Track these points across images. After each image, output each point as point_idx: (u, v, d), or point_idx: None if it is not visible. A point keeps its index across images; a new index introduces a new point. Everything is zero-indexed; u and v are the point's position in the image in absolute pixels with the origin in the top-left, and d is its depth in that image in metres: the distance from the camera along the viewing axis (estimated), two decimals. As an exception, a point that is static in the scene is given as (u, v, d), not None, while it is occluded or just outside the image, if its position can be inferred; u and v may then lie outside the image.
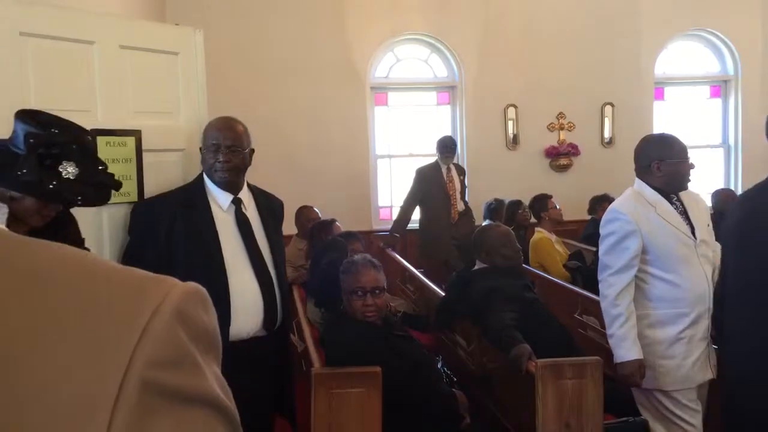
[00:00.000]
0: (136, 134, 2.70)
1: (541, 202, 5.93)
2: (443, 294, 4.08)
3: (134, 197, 2.69)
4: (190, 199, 2.64)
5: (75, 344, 0.45)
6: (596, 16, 7.43)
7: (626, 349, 2.90)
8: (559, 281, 4.82)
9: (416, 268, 5.44)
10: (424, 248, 6.41)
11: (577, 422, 2.79)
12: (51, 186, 1.79)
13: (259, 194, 2.84)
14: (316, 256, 4.37)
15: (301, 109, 6.87)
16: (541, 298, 3.61)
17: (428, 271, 5.51)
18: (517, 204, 6.26)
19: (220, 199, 2.66)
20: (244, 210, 2.69)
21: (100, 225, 2.60)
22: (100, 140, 2.58)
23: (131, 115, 2.70)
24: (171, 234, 2.55)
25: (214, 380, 0.50)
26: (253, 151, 2.74)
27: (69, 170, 1.82)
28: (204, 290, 0.52)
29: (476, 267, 3.72)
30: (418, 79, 7.50)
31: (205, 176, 2.69)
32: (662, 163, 2.98)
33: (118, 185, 2.08)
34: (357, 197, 7.10)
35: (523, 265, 4.12)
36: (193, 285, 0.51)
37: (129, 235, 2.65)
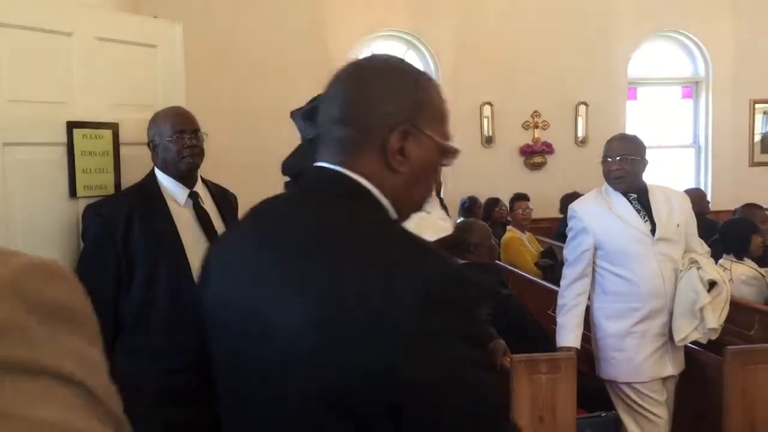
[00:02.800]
0: (114, 127, 2.68)
1: (514, 202, 6.04)
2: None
3: (111, 190, 2.67)
4: (144, 198, 2.54)
5: None
6: (571, 17, 7.51)
7: (562, 336, 3.10)
8: (531, 278, 4.87)
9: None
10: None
11: (550, 416, 2.83)
12: None
13: (213, 187, 2.77)
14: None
15: (277, 105, 6.78)
16: (514, 295, 3.65)
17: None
18: (494, 202, 6.32)
19: (176, 195, 2.58)
20: (201, 203, 2.64)
21: (73, 216, 2.58)
22: (77, 133, 2.56)
23: (108, 107, 2.68)
24: (129, 236, 2.44)
25: (63, 352, 0.49)
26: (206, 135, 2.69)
27: None
28: (56, 265, 0.52)
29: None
30: (394, 75, 7.51)
31: (158, 172, 2.59)
32: (602, 163, 3.13)
33: None
34: (333, 193, 7.10)
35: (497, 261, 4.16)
36: (40, 259, 0.51)
37: (82, 240, 2.54)
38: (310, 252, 0.99)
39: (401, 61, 1.15)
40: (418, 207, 1.15)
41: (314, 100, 2.17)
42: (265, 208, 1.14)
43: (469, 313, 0.97)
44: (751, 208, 5.63)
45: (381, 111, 1.05)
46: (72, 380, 0.48)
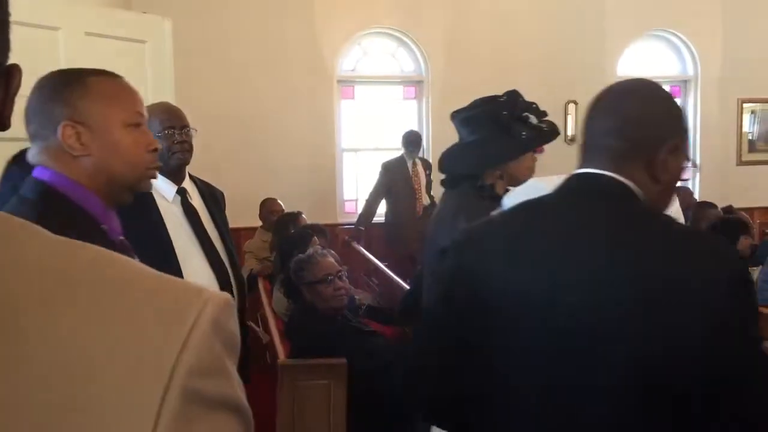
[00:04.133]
0: (102, 123, 2.67)
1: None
2: (408, 287, 4.12)
3: (99, 186, 2.66)
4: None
5: (119, 354, 0.47)
6: (561, 16, 7.53)
7: None
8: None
9: (381, 261, 5.46)
10: (389, 242, 6.45)
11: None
12: (544, 130, 2.26)
13: (200, 183, 2.75)
14: (283, 247, 4.37)
15: (267, 101, 6.83)
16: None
17: (393, 265, 5.54)
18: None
19: (164, 191, 2.55)
20: (189, 200, 2.63)
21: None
22: (65, 128, 2.55)
23: (97, 103, 2.67)
24: None
25: (237, 383, 0.53)
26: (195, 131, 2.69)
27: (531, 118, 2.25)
28: (232, 299, 0.55)
29: (441, 261, 3.76)
30: (384, 73, 7.51)
31: None
32: None
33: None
34: (322, 190, 7.10)
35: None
36: (225, 296, 0.54)
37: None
38: (629, 240, 1.15)
39: (662, 88, 1.34)
40: (661, 212, 1.33)
41: (475, 106, 2.28)
42: (544, 208, 1.27)
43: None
44: (702, 207, 5.70)
45: (655, 130, 1.23)
46: (241, 409, 0.53)
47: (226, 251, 2.67)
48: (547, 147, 2.49)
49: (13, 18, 2.11)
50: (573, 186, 1.27)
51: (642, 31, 7.86)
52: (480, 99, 2.36)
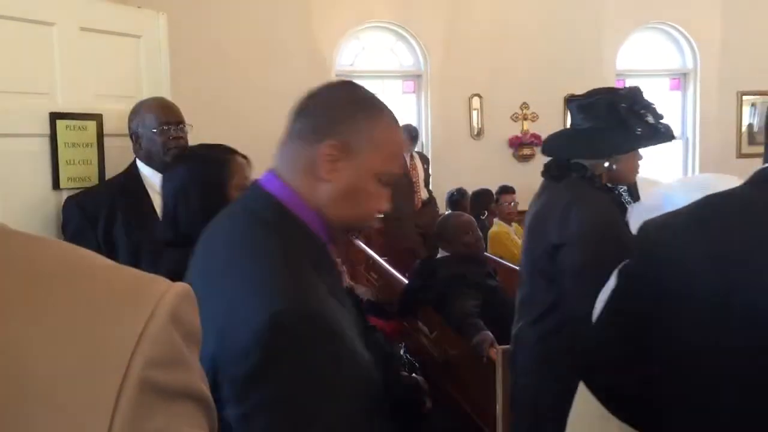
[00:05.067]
0: (97, 118, 2.65)
1: (500, 195, 6.01)
2: (407, 282, 4.11)
3: (95, 182, 2.65)
4: (126, 190, 2.52)
5: (77, 346, 0.47)
6: (560, 9, 7.51)
7: None
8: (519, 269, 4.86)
9: (380, 256, 5.46)
10: (387, 236, 6.44)
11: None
12: (660, 131, 2.24)
13: None
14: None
15: (266, 96, 6.80)
16: (503, 286, 3.66)
17: (392, 259, 5.53)
18: (486, 193, 6.29)
19: (158, 185, 2.57)
20: None
21: (56, 208, 2.56)
22: (60, 124, 2.54)
23: (92, 98, 2.65)
24: (110, 228, 2.43)
25: (197, 373, 0.54)
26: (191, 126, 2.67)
27: (649, 116, 2.23)
28: (191, 289, 0.55)
29: (439, 255, 3.75)
30: (383, 67, 7.49)
31: (139, 163, 2.56)
32: None
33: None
34: (321, 185, 7.07)
35: (485, 253, 4.17)
36: (184, 286, 0.54)
37: (63, 232, 2.50)
38: None
39: None
40: None
41: (593, 94, 2.24)
42: (741, 201, 1.20)
43: None
44: None
45: None
46: (203, 398, 0.54)
47: None
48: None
49: (6, 13, 2.10)
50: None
51: (641, 23, 7.84)
52: (600, 88, 2.31)
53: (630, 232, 1.81)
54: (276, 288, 1.09)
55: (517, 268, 4.86)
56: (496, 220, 5.84)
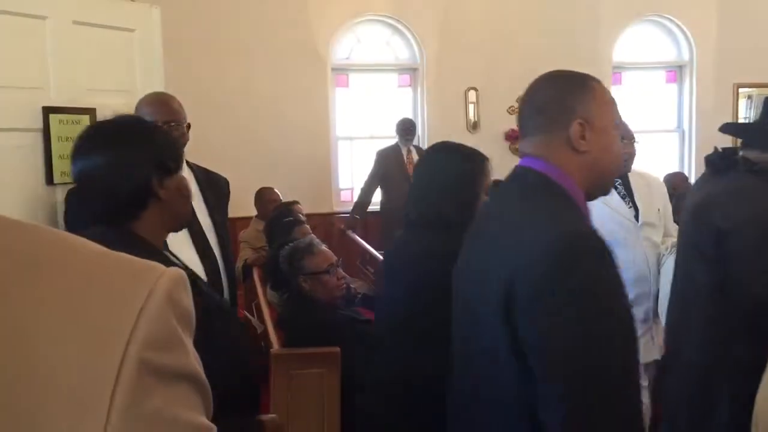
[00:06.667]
0: (91, 113, 2.65)
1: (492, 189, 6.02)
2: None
3: (88, 177, 2.64)
4: None
5: (77, 328, 0.48)
6: (556, 1, 7.49)
7: None
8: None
9: (377, 249, 5.45)
10: (384, 230, 6.44)
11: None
12: None
13: (199, 172, 2.71)
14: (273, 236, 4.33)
15: (261, 89, 6.79)
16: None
17: (388, 253, 5.52)
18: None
19: None
20: None
21: (54, 204, 2.55)
22: (53, 118, 2.53)
23: (85, 93, 2.65)
24: None
25: (192, 355, 0.55)
26: (189, 125, 2.62)
27: None
28: (185, 275, 0.57)
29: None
30: (379, 61, 7.48)
31: None
32: None
33: None
34: (318, 179, 7.07)
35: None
36: (178, 271, 0.56)
37: (65, 222, 2.50)
38: None
39: None
40: None
41: None
42: None
43: None
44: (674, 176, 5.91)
45: None
46: (198, 380, 0.55)
47: (219, 243, 2.64)
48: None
49: (-1, 7, 2.06)
50: None
51: (637, 15, 7.82)
52: None
53: None
54: (561, 218, 1.42)
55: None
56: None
